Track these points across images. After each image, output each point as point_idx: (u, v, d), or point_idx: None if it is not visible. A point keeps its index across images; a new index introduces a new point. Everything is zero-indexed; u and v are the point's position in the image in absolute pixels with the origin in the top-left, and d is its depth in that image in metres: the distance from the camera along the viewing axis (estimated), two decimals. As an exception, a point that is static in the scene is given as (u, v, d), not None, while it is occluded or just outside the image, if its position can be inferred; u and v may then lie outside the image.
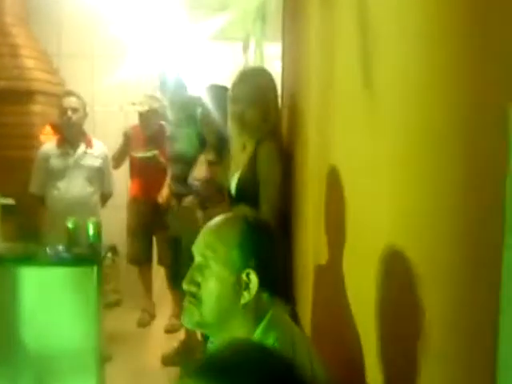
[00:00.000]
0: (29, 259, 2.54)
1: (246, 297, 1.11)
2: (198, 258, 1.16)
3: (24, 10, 4.35)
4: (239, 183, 2.20)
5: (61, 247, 2.58)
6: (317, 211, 1.68)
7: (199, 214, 2.71)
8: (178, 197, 3.20)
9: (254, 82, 2.26)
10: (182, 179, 3.08)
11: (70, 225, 2.63)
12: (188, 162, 3.03)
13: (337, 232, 1.41)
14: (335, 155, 1.49)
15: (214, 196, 2.63)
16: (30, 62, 4.13)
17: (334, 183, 1.46)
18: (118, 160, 3.81)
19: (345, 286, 1.33)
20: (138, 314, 3.87)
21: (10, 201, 3.17)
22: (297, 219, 2.20)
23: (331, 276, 1.47)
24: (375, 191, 1.09)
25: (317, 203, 1.68)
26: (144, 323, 3.84)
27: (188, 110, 3.27)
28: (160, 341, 3.63)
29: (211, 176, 2.76)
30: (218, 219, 1.19)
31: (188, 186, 2.90)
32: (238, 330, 1.11)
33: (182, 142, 3.31)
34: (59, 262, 2.53)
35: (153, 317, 3.92)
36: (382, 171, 1.05)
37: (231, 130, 2.31)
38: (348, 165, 1.35)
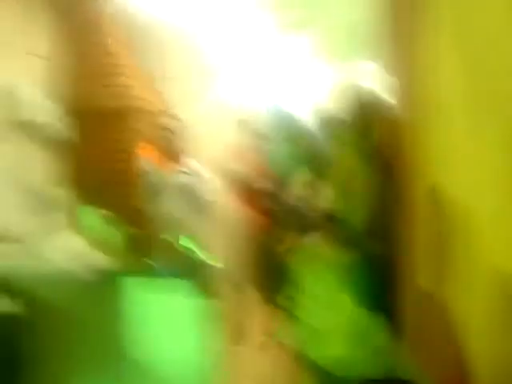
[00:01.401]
0: (135, 273, 2.64)
1: None
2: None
3: (127, 32, 4.60)
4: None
5: (165, 262, 2.67)
6: (426, 231, 1.60)
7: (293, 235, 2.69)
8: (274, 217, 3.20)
9: (354, 99, 2.22)
10: (277, 198, 3.08)
11: (172, 240, 2.73)
12: (283, 181, 3.03)
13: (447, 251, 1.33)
14: (450, 174, 1.42)
15: (314, 218, 2.60)
16: (130, 81, 4.37)
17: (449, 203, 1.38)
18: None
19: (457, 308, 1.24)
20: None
21: (109, 214, 3.33)
22: (401, 239, 2.11)
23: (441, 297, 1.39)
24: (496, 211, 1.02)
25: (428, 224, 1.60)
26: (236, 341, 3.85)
27: (286, 129, 3.29)
28: (253, 358, 3.61)
29: (310, 196, 2.74)
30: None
31: (285, 205, 2.90)
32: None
33: (278, 160, 3.32)
34: (164, 275, 2.62)
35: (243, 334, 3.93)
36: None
37: (333, 148, 2.29)
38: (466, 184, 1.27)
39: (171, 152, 3.55)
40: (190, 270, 2.66)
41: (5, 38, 3.57)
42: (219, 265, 4.02)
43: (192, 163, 3.65)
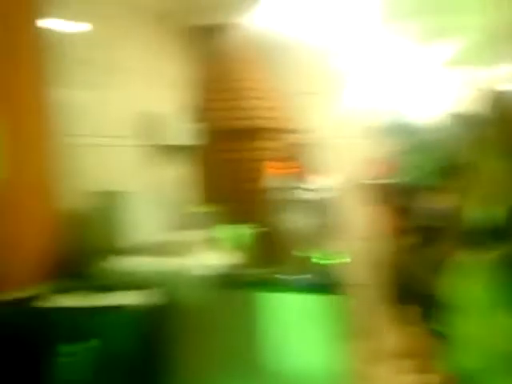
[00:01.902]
0: (269, 285, 2.69)
1: None
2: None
3: (258, 51, 4.76)
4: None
5: (297, 276, 2.68)
6: None
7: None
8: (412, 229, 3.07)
9: (496, 102, 2.07)
10: (408, 209, 2.96)
11: (304, 255, 2.73)
12: (417, 190, 2.90)
13: None
14: None
15: (454, 227, 2.45)
16: (253, 103, 4.51)
17: None
18: None
19: None
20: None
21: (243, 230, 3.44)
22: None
23: None
24: None
25: None
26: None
27: (417, 138, 3.16)
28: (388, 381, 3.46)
29: (443, 205, 2.59)
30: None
31: (423, 217, 2.77)
32: None
33: (409, 170, 3.20)
34: (297, 289, 2.63)
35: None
36: None
37: (472, 152, 2.14)
38: None
39: (302, 168, 3.58)
40: (324, 285, 2.63)
41: (144, 67, 3.90)
42: (354, 280, 3.94)
43: (323, 178, 3.64)
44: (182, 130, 4.17)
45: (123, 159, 3.59)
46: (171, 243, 3.16)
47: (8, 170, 2.56)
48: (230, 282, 2.69)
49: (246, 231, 3.37)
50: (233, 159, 4.43)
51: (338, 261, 2.74)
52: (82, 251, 2.91)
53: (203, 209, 3.77)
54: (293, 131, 3.71)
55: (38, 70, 2.82)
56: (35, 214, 2.74)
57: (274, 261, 3.49)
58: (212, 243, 3.30)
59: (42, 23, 2.90)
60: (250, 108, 4.48)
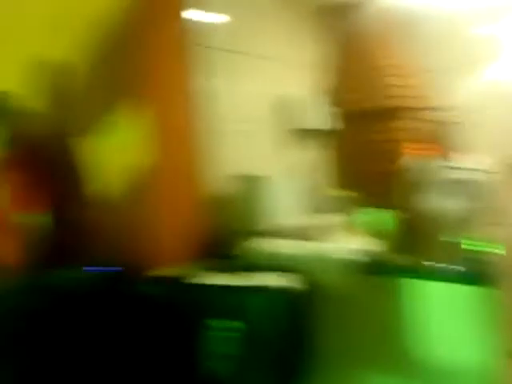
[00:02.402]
0: (414, 272, 2.56)
1: None
2: None
3: (394, 28, 4.53)
4: None
5: (446, 262, 2.52)
6: None
7: None
8: None
9: None
10: None
11: (451, 240, 2.55)
12: None
13: None
14: None
15: None
16: (392, 81, 4.30)
17: None
18: None
19: None
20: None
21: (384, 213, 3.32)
22: None
23: None
24: None
25: None
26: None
27: None
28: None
29: None
30: None
31: None
32: None
33: None
34: (446, 276, 2.47)
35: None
36: None
37: None
38: None
39: (446, 147, 3.33)
40: (474, 275, 2.44)
41: (280, 51, 3.91)
42: (508, 271, 3.61)
43: (470, 157, 3.37)
44: (318, 114, 4.13)
45: (262, 144, 3.66)
46: (310, 227, 3.15)
47: (158, 156, 2.73)
48: (374, 268, 2.61)
49: (387, 215, 3.24)
50: (370, 141, 4.29)
51: (491, 249, 2.52)
52: (226, 233, 3.03)
53: (340, 193, 3.71)
54: (434, 109, 3.47)
55: (184, 60, 2.96)
56: (183, 198, 2.90)
57: (419, 247, 3.32)
58: (351, 228, 3.24)
59: (186, 15, 3.04)
60: (388, 87, 4.30)
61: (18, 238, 2.67)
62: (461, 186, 3.24)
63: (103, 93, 2.80)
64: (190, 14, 3.07)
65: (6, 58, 3.03)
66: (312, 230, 3.10)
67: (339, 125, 4.22)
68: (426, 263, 2.58)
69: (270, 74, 3.79)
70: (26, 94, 2.95)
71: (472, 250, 2.53)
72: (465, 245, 2.57)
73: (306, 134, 4.10)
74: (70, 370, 2.18)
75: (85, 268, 2.53)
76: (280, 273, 2.45)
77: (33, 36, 2.93)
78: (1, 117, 2.74)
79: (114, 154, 2.77)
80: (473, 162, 3.28)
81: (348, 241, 3.00)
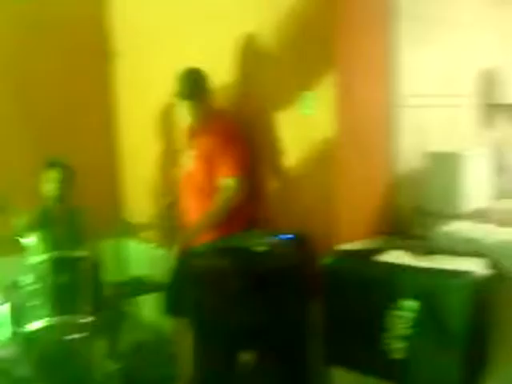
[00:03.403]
0: None
1: None
2: None
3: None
4: None
5: None
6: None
7: None
8: None
9: None
10: None
11: None
12: None
13: None
14: None
15: None
16: None
17: None
18: None
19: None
20: None
21: None
22: None
23: None
24: None
25: None
26: None
27: None
28: None
29: None
30: None
31: None
32: None
33: None
34: None
35: None
36: None
37: None
38: None
39: None
40: None
41: (483, 20, 3.55)
42: None
43: None
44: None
45: (462, 120, 3.42)
46: (502, 211, 2.91)
47: (341, 129, 2.68)
48: None
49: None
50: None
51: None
52: (411, 212, 2.92)
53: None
54: None
55: (375, 31, 2.85)
56: (368, 173, 2.85)
57: None
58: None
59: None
60: None
61: (213, 200, 2.88)
62: None
63: (291, 65, 2.84)
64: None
65: (213, 37, 3.22)
66: (505, 214, 2.85)
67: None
68: None
69: (476, 45, 3.45)
70: (222, 70, 3.13)
71: None
72: None
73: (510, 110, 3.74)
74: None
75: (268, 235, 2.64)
76: (470, 258, 2.30)
77: (237, 15, 3.08)
78: (195, 91, 2.95)
79: (299, 127, 2.82)
80: None
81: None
